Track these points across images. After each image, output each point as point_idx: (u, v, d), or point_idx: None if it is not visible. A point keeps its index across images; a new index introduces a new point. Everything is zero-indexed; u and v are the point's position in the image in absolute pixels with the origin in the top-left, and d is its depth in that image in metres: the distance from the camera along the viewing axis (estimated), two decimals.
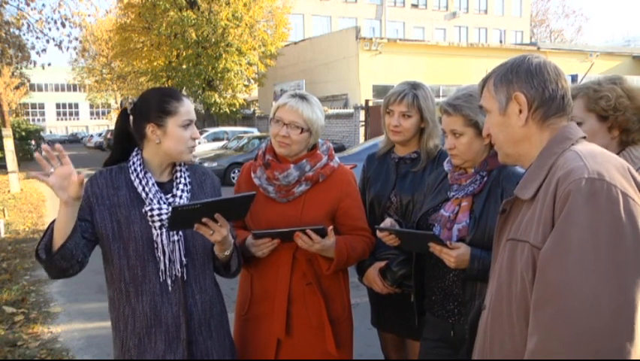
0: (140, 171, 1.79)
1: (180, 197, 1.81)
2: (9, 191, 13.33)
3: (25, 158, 24.91)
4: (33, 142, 26.83)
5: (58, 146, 1.56)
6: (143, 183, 1.77)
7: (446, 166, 2.06)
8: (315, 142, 2.17)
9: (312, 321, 2.09)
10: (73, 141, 54.09)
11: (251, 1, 21.90)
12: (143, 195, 1.76)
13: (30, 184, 15.45)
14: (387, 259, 2.23)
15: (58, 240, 1.63)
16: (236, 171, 13.75)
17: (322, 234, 1.96)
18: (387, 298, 2.29)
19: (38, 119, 59.46)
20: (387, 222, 2.04)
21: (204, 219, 1.67)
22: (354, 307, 2.32)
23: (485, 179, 1.94)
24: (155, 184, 1.80)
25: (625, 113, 1.90)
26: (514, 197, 1.33)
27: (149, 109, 1.79)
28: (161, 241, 1.76)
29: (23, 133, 24.83)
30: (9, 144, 13.66)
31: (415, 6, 38.17)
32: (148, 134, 1.79)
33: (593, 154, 1.20)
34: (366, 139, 15.34)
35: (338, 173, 2.16)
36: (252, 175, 2.16)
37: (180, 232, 1.79)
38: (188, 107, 1.81)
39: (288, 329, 2.08)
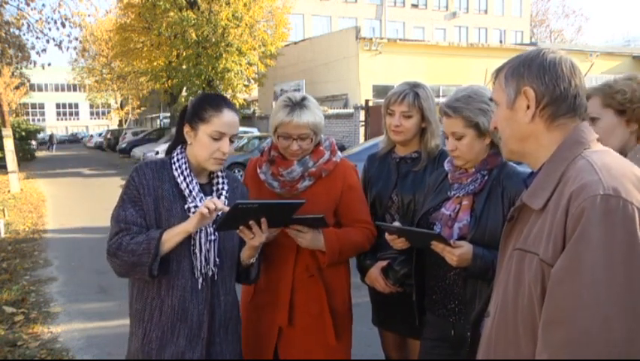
0: (185, 169, 1.84)
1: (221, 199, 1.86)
2: (9, 191, 13.32)
3: (25, 158, 24.94)
4: (33, 142, 26.81)
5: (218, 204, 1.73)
6: (187, 180, 1.83)
7: (447, 166, 2.07)
8: (319, 139, 2.21)
9: (312, 310, 2.15)
10: (73, 140, 54.16)
11: (251, 1, 21.85)
12: (187, 192, 1.81)
13: (30, 184, 15.46)
14: (389, 258, 2.23)
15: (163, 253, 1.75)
16: (237, 171, 13.75)
17: (322, 223, 2.00)
18: (389, 297, 2.29)
19: (38, 119, 59.44)
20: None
21: (250, 222, 1.74)
22: (354, 307, 2.32)
23: (486, 178, 1.95)
24: (198, 184, 1.85)
25: None
26: (522, 204, 1.28)
27: (190, 110, 1.86)
28: (199, 238, 1.80)
29: (23, 133, 24.85)
30: (9, 144, 13.68)
31: (415, 6, 38.17)
32: (184, 133, 1.86)
33: (608, 166, 1.13)
34: (366, 139, 15.33)
35: (340, 167, 2.22)
36: (258, 171, 2.22)
37: (216, 233, 1.84)
38: (225, 119, 1.82)
39: (290, 318, 2.15)
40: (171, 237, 1.73)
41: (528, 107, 1.26)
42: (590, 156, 1.18)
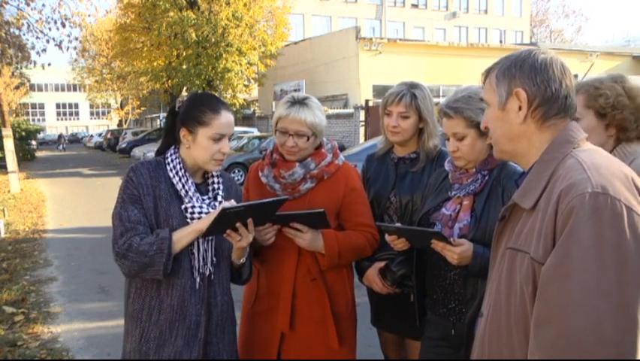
0: (180, 169, 1.85)
1: (220, 201, 1.87)
2: (9, 191, 13.32)
3: (25, 158, 24.94)
4: (33, 142, 26.74)
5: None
6: (183, 181, 1.83)
7: (447, 166, 2.07)
8: (320, 141, 2.20)
9: (315, 315, 2.13)
10: (73, 140, 54.19)
11: (251, 1, 21.85)
12: (183, 192, 1.82)
13: (30, 184, 15.46)
14: (387, 259, 2.23)
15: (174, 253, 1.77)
16: (236, 171, 13.76)
17: (323, 219, 1.98)
18: (387, 297, 2.29)
19: (38, 119, 59.45)
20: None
21: (237, 225, 1.74)
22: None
23: (486, 178, 1.94)
24: (194, 184, 1.86)
25: (623, 112, 1.89)
26: (514, 203, 1.28)
27: (186, 114, 1.84)
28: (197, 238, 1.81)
29: (23, 133, 24.85)
30: (9, 144, 13.68)
31: (415, 6, 38.17)
32: (181, 137, 1.85)
33: (597, 165, 1.14)
34: (366, 139, 15.34)
35: (342, 170, 2.21)
36: (260, 174, 2.21)
37: None
38: (224, 120, 1.83)
39: (292, 324, 2.12)
40: (184, 236, 1.75)
41: (520, 109, 1.27)
42: (579, 154, 1.19)
